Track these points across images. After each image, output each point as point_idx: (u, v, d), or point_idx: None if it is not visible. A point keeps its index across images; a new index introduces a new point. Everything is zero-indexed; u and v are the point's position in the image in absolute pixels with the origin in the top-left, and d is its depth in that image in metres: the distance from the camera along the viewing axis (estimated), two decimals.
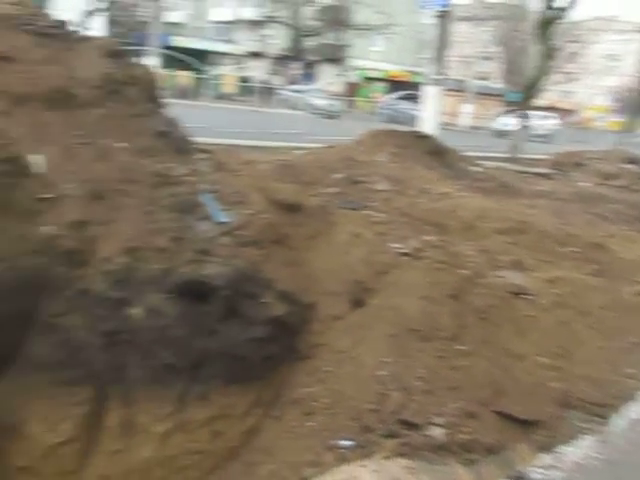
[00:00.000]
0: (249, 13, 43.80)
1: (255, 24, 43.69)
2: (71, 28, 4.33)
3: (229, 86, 32.55)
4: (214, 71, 33.82)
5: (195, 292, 3.21)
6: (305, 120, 20.57)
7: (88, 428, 3.03)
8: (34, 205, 3.08)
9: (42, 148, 3.26)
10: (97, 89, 3.71)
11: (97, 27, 22.39)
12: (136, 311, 3.07)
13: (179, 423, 3.20)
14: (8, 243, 2.92)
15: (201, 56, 32.77)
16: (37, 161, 3.17)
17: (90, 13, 24.54)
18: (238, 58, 42.84)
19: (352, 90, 41.33)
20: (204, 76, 28.22)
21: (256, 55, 44.20)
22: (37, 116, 3.41)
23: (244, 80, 34.32)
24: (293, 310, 3.60)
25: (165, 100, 4.38)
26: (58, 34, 4.00)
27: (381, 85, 43.84)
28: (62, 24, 4.19)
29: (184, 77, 27.04)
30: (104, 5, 27.32)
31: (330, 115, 27.89)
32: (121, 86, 3.81)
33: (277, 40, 42.31)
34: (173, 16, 39.90)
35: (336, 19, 39.80)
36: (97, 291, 3.03)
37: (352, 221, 4.59)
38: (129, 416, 3.12)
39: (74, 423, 2.98)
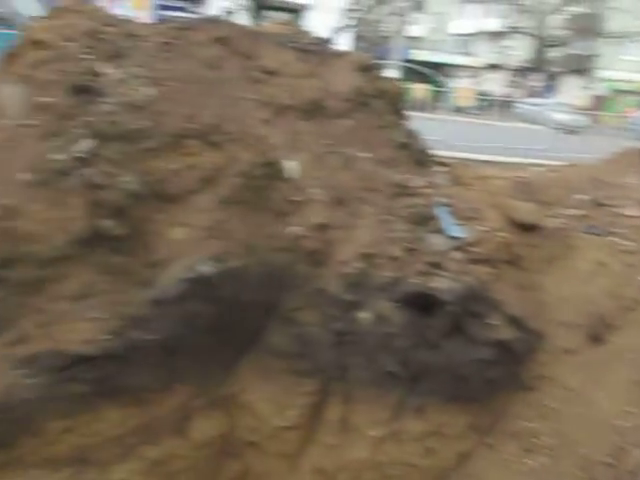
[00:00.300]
0: (492, 25, 42.74)
1: (496, 35, 42.48)
2: (328, 44, 4.66)
3: (465, 99, 32.11)
4: (451, 84, 33.70)
5: (422, 304, 3.21)
6: (545, 135, 19.36)
7: (311, 418, 3.23)
8: (284, 207, 3.37)
9: (295, 155, 3.56)
10: (347, 101, 3.92)
11: (344, 42, 23.82)
12: (365, 315, 3.18)
13: (393, 432, 3.23)
14: (260, 239, 3.23)
15: (438, 69, 32.92)
16: (291, 167, 3.47)
17: (340, 29, 26.21)
18: (475, 70, 42.12)
19: (599, 104, 37.89)
20: (441, 89, 28.29)
21: (494, 67, 42.95)
22: (293, 125, 3.72)
23: (481, 93, 33.60)
24: (521, 336, 3.40)
25: (407, 113, 4.47)
26: (317, 50, 4.32)
27: (635, 98, 39.39)
28: (321, 41, 4.53)
29: (421, 90, 27.39)
30: (353, 22, 28.98)
31: (572, 130, 25.88)
32: (369, 99, 3.98)
33: (518, 51, 40.59)
34: (414, 30, 40.72)
35: (586, 27, 36.85)
36: (332, 292, 3.21)
37: (595, 248, 4.18)
38: (347, 414, 3.24)
39: (300, 411, 3.19)
